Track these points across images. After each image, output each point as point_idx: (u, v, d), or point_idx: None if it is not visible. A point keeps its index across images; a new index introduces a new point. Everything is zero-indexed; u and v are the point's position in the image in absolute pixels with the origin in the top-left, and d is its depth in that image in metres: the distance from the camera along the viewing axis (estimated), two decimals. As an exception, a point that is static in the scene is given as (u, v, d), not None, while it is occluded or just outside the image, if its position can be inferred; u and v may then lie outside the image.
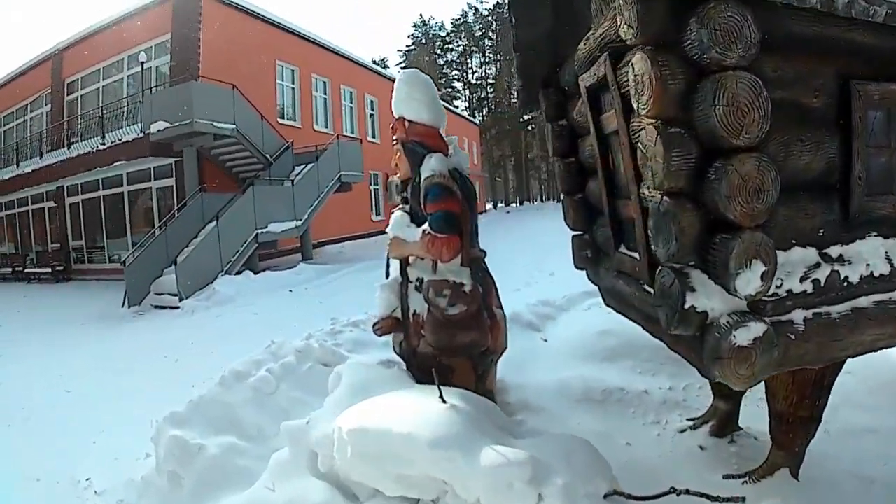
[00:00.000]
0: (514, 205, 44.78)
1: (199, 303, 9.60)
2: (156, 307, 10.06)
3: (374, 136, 21.76)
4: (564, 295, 5.37)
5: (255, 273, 11.50)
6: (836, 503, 2.27)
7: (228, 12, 14.77)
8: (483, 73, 47.48)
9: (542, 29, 3.12)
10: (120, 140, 13.46)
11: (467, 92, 47.09)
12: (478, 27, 47.17)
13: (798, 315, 1.92)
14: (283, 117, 16.55)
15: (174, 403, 3.34)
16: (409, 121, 3.03)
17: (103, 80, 15.61)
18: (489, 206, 37.64)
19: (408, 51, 49.27)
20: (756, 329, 1.81)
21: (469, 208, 2.88)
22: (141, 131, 12.73)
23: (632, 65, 1.85)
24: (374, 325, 3.05)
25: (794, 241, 1.95)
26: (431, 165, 2.92)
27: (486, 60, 46.87)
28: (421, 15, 51.61)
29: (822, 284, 1.95)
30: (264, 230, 12.39)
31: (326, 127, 18.73)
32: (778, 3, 1.68)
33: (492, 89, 46.24)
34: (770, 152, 1.78)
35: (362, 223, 20.05)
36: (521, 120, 41.87)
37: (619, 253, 2.80)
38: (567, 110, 3.23)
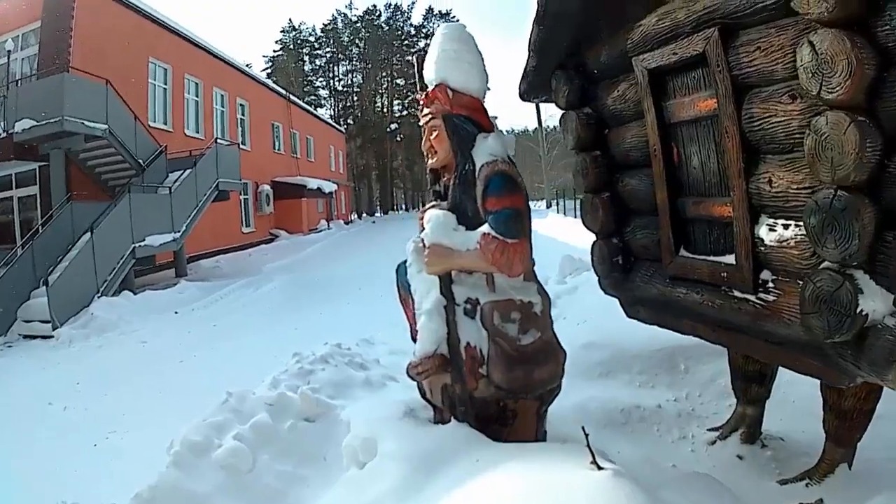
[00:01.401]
0: (378, 214, 47.16)
1: (75, 331, 9.12)
2: (25, 337, 9.47)
3: (244, 143, 22.15)
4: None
5: (134, 293, 11.18)
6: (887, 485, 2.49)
7: (104, 0, 14.60)
8: (349, 81, 50.57)
9: (576, 1, 3.02)
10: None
11: (332, 100, 50.11)
12: (346, 34, 50.09)
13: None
14: (154, 120, 16.52)
15: (87, 486, 2.69)
16: (454, 89, 2.71)
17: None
18: (353, 216, 39.59)
19: (274, 56, 50.76)
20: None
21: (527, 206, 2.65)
22: (3, 130, 11.91)
23: (811, 43, 1.88)
24: (415, 366, 2.62)
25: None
26: (491, 147, 2.64)
27: (353, 68, 50.16)
28: (290, 20, 51.34)
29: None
30: (142, 244, 12.13)
31: (198, 132, 19.01)
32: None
33: (357, 98, 49.56)
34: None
35: (233, 236, 20.32)
36: (388, 130, 45.58)
37: (681, 257, 2.83)
38: (595, 96, 3.19)
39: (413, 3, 52.53)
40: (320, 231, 26.89)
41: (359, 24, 49.22)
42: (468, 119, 2.71)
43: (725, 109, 2.37)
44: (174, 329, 8.44)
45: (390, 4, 49.98)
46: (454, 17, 49.66)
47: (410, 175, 50.19)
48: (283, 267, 14.55)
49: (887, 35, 1.79)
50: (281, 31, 50.92)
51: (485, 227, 2.54)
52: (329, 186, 29.32)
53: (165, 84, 17.52)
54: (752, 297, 2.45)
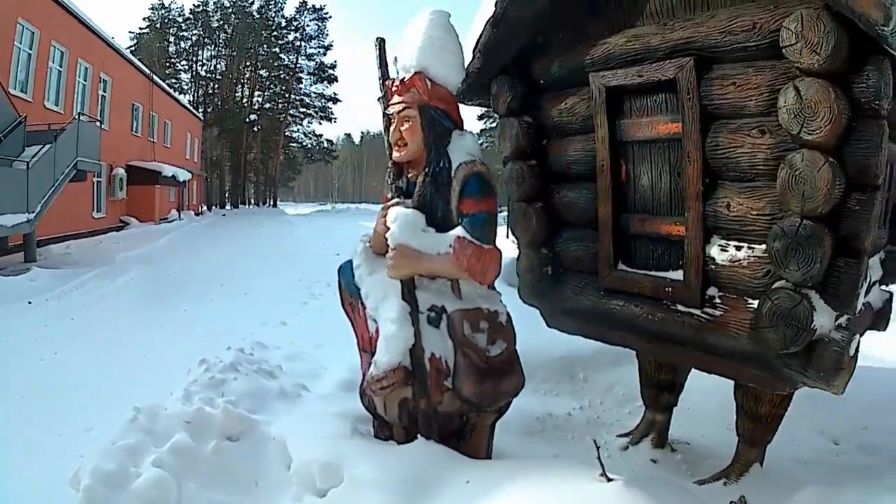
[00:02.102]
0: (228, 207, 46.69)
1: None
2: None
3: (104, 122, 20.64)
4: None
5: (-20, 280, 9.80)
6: (797, 481, 3.00)
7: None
8: (213, 67, 49.20)
9: (537, 7, 3.22)
10: None
11: (194, 85, 48.41)
12: (216, 17, 48.77)
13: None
14: (13, 88, 15.08)
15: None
16: (433, 80, 2.72)
17: None
18: (203, 207, 38.31)
19: (140, 33, 48.20)
20: (855, 342, 2.41)
21: None
22: None
23: (797, 88, 2.24)
24: (378, 379, 2.57)
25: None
26: (468, 147, 2.73)
27: (218, 54, 49.12)
28: (161, -3, 47.60)
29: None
30: (-7, 224, 11.08)
31: (57, 105, 17.76)
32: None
33: (218, 85, 48.67)
34: None
35: (84, 221, 18.99)
36: (247, 121, 45.46)
37: (620, 271, 3.13)
38: (537, 105, 3.41)
39: None
40: (171, 221, 25.97)
41: (230, 9, 48.58)
42: (445, 114, 2.75)
43: (690, 135, 2.70)
44: (28, 321, 7.49)
45: None
46: (327, 12, 50.62)
47: (264, 169, 50.44)
48: (137, 258, 13.54)
49: (861, 90, 2.22)
50: (150, 8, 48.89)
51: (459, 231, 2.60)
52: (184, 175, 28.51)
53: (31, 49, 16.19)
54: (698, 312, 2.80)
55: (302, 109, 51.41)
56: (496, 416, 2.86)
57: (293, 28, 49.60)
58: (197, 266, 12.62)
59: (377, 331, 2.66)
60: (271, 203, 50.24)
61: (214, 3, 48.60)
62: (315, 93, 51.50)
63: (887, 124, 2.24)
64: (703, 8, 2.68)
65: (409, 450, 2.52)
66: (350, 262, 2.89)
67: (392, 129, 2.79)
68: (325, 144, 53.97)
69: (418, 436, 2.62)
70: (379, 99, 2.87)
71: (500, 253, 2.65)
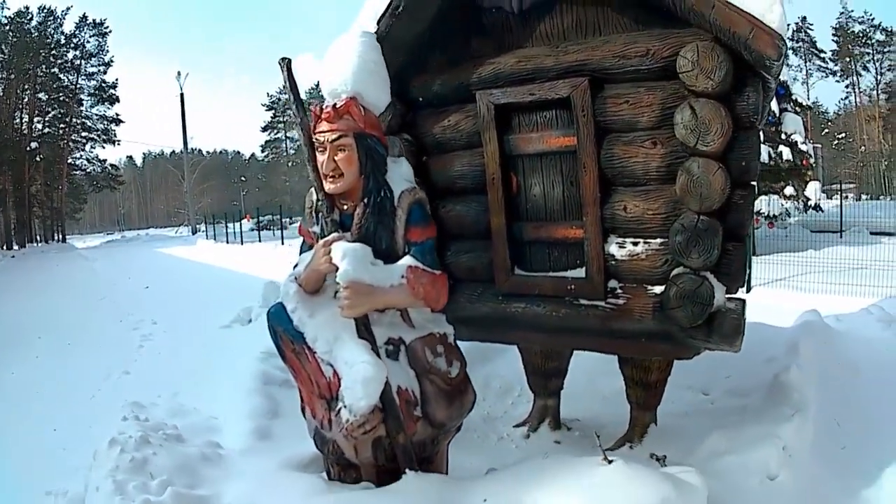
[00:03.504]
0: (15, 247, 39.73)
1: None
2: None
3: None
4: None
5: None
6: (688, 432, 3.72)
7: None
8: None
9: (418, 27, 3.45)
10: None
11: None
12: None
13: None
14: None
15: None
16: (364, 106, 2.82)
17: None
18: None
19: None
20: (745, 309, 3.09)
21: None
22: None
23: (692, 107, 2.82)
24: (360, 425, 2.61)
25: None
26: (406, 173, 2.92)
27: None
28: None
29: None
30: None
31: None
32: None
33: None
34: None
35: None
36: (28, 149, 39.95)
37: (518, 276, 3.54)
38: (414, 123, 3.67)
39: (68, 8, 46.69)
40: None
41: (7, 27, 41.98)
42: (378, 141, 2.87)
43: (585, 148, 3.18)
44: None
45: (43, 7, 43.56)
46: (107, 26, 45.86)
47: (49, 202, 44.48)
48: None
49: (742, 108, 2.89)
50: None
51: (409, 260, 2.80)
52: None
53: None
54: (602, 303, 3.31)
55: (84, 133, 46.89)
56: (455, 433, 3.10)
57: (73, 45, 45.02)
58: (2, 318, 10.92)
59: (335, 375, 2.67)
60: (60, 238, 44.43)
61: (-7, 23, 42.89)
62: (97, 115, 47.28)
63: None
64: (595, 33, 3.19)
65: (408, 486, 2.62)
66: (280, 305, 2.84)
67: (325, 158, 2.80)
68: (110, 170, 49.45)
69: (406, 470, 2.71)
70: (295, 124, 2.90)
71: (449, 276, 2.89)
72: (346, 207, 2.90)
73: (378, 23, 3.35)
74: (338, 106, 2.80)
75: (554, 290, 3.44)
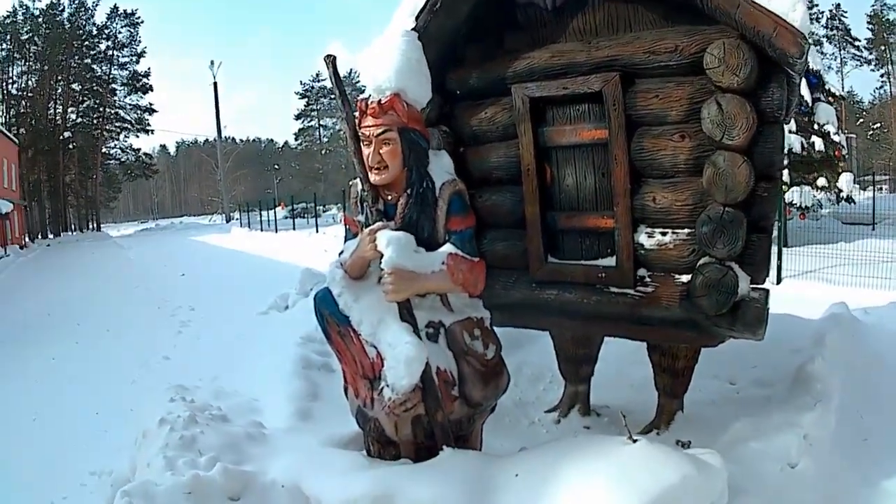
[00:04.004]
0: (50, 236, 42.92)
1: None
2: None
3: None
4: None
5: None
6: (714, 420, 3.85)
7: None
8: (24, 84, 46.40)
9: (455, 23, 3.62)
10: None
11: (4, 105, 45.93)
12: (26, 29, 45.81)
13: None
14: None
15: None
16: (407, 101, 2.99)
17: None
18: (26, 239, 35.01)
19: None
20: (768, 298, 3.22)
21: None
22: None
23: (718, 102, 2.96)
24: (401, 402, 2.80)
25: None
26: (447, 166, 3.10)
27: (29, 69, 46.11)
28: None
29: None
30: None
31: None
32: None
33: (29, 104, 45.24)
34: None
35: None
36: (62, 138, 42.42)
37: (551, 264, 3.69)
38: (452, 115, 3.82)
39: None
40: (-2, 259, 23.09)
41: (40, 19, 44.76)
42: (421, 135, 3.06)
43: (617, 140, 3.33)
44: None
45: None
46: (139, 17, 47.84)
47: (83, 191, 46.92)
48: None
49: (767, 103, 3.02)
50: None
51: (449, 247, 2.99)
52: (5, 206, 26.51)
53: None
54: (632, 291, 3.46)
55: (118, 123, 49.21)
56: (489, 413, 3.28)
57: (105, 36, 47.36)
58: (42, 306, 11.38)
59: (378, 356, 2.87)
60: (94, 227, 45.99)
61: (24, 13, 45.58)
62: (130, 104, 49.57)
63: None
64: (625, 29, 3.35)
65: (446, 462, 2.80)
66: (326, 290, 3.02)
67: (370, 151, 2.98)
68: (144, 158, 51.44)
69: (443, 446, 2.90)
70: (340, 118, 3.08)
71: (485, 264, 3.06)
72: (389, 198, 3.08)
73: (416, 18, 3.52)
74: (383, 102, 2.98)
75: (585, 278, 3.60)
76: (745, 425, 3.54)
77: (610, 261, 3.53)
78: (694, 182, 3.20)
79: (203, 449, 3.24)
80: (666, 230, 3.36)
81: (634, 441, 2.67)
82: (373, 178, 3.02)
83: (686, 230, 3.28)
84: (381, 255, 2.83)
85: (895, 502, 3.15)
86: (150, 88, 47.65)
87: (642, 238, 3.40)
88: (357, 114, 3.07)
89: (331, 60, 3.08)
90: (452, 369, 2.97)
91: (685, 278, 3.29)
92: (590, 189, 3.59)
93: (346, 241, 3.24)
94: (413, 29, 3.50)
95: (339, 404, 3.49)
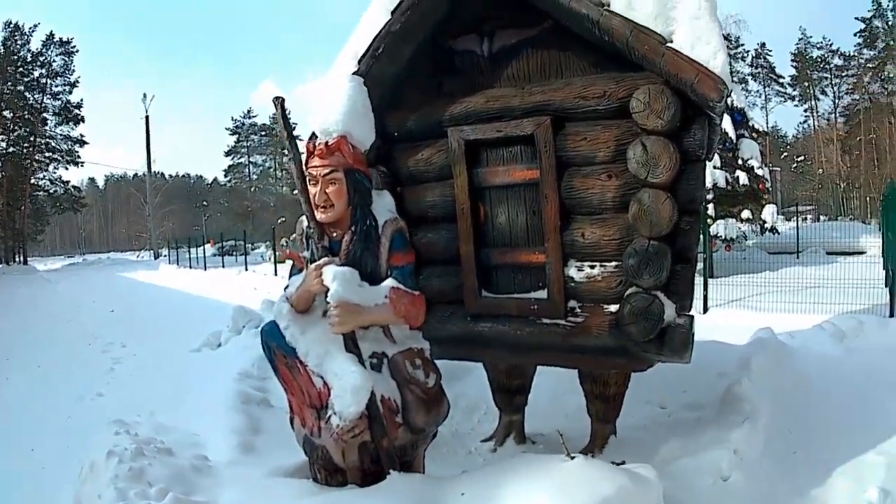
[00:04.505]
0: None
1: None
2: None
3: None
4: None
5: None
6: (647, 442, 4.05)
7: None
8: None
9: (396, 68, 3.81)
10: None
11: None
12: None
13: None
14: None
15: None
16: (353, 144, 3.19)
17: None
18: None
19: None
20: (694, 324, 3.45)
21: None
22: None
23: (643, 143, 3.20)
24: (349, 429, 2.93)
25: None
26: (389, 204, 3.26)
27: None
28: None
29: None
30: None
31: None
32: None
33: None
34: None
35: None
36: None
37: (485, 298, 3.85)
38: (389, 156, 3.98)
39: (35, 25, 44.88)
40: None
41: None
42: (365, 175, 3.25)
43: (547, 180, 3.53)
44: None
45: (10, 23, 43.65)
46: (74, 45, 45.97)
47: (11, 223, 44.21)
48: None
49: (689, 143, 3.27)
50: None
51: (392, 282, 3.14)
52: None
53: None
54: (563, 322, 3.64)
55: (48, 153, 46.64)
56: (431, 440, 3.41)
57: (39, 63, 45.05)
58: None
59: (325, 385, 2.99)
60: (21, 260, 43.68)
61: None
62: (61, 135, 46.93)
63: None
64: (557, 76, 3.59)
65: (395, 484, 2.91)
66: (273, 323, 3.14)
67: (317, 190, 3.15)
68: (73, 191, 48.83)
69: (390, 470, 3.02)
70: (289, 159, 3.22)
71: (425, 298, 3.23)
72: (334, 234, 3.24)
73: (359, 62, 3.71)
74: (330, 144, 3.17)
75: (518, 311, 3.77)
76: (678, 444, 3.76)
77: (542, 294, 3.71)
78: (620, 218, 3.42)
79: (152, 480, 3.27)
80: (594, 263, 3.56)
81: (572, 458, 2.85)
82: (319, 215, 3.17)
83: (614, 263, 3.49)
84: (327, 289, 2.96)
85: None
86: (82, 119, 46.29)
87: (572, 271, 3.59)
88: (304, 154, 3.24)
89: (279, 102, 3.21)
90: (396, 397, 3.11)
91: (614, 308, 3.49)
92: (522, 226, 3.77)
93: (290, 276, 3.36)
94: (356, 72, 3.67)
95: (281, 437, 3.55)
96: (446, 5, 3.71)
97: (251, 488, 3.20)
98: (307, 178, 3.20)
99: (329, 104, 3.27)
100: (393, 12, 3.63)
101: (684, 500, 3.11)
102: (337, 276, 2.96)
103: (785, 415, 4.45)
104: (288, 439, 3.34)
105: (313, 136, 3.30)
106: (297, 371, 3.08)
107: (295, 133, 3.20)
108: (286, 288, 3.22)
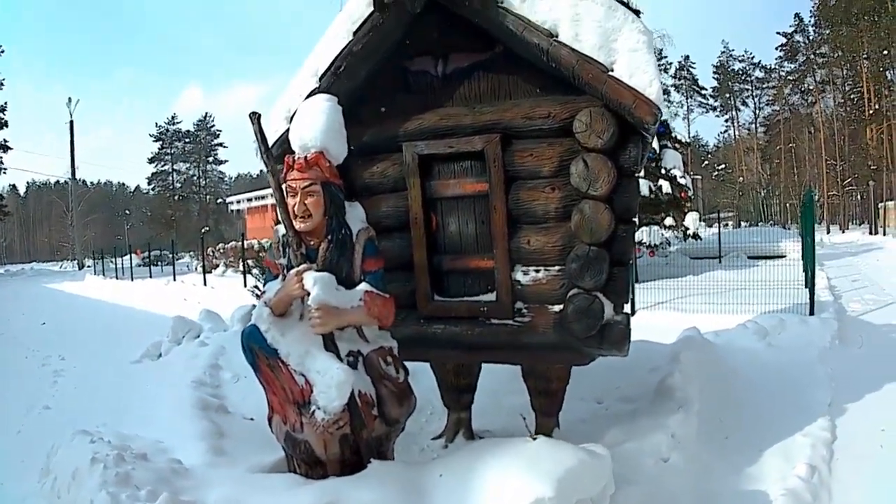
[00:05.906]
0: None
1: None
2: None
3: None
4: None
5: None
6: (588, 433, 4.43)
7: None
8: None
9: (354, 85, 4.09)
10: None
11: None
12: None
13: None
14: None
15: None
16: (329, 159, 3.47)
17: None
18: None
19: None
20: (630, 321, 3.85)
21: None
22: None
23: (584, 160, 3.59)
24: (334, 422, 3.22)
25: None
26: (361, 216, 3.56)
27: None
28: None
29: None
30: None
31: None
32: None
33: None
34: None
35: None
36: None
37: (437, 301, 4.19)
38: (345, 168, 4.23)
39: None
40: None
41: None
42: (339, 188, 3.54)
43: (496, 192, 3.89)
44: None
45: None
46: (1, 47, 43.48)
47: None
48: None
49: (624, 160, 3.69)
50: None
51: (365, 286, 3.44)
52: None
53: None
54: (511, 322, 4.00)
55: None
56: (401, 432, 3.72)
57: None
58: None
59: (307, 383, 3.26)
60: None
61: None
62: None
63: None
64: (506, 97, 3.96)
65: (378, 471, 3.21)
66: (254, 326, 3.36)
67: (296, 201, 3.41)
68: None
69: (370, 460, 3.32)
70: (266, 171, 3.48)
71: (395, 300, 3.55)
72: (311, 243, 3.50)
73: (320, 79, 4.02)
74: (308, 158, 3.46)
75: (469, 313, 4.11)
76: (619, 432, 4.19)
77: (491, 296, 4.06)
78: (563, 226, 3.80)
79: (139, 484, 3.42)
80: (539, 268, 3.93)
81: (535, 439, 3.28)
82: (297, 225, 3.43)
83: (557, 267, 3.87)
84: (307, 293, 3.24)
85: (757, 485, 3.86)
86: (6, 124, 44.14)
87: (519, 275, 3.96)
88: (284, 168, 3.50)
89: (256, 118, 3.47)
90: (371, 392, 3.41)
91: (558, 308, 3.86)
92: (471, 234, 4.12)
93: (265, 283, 3.64)
94: (316, 90, 3.94)
95: (249, 439, 3.76)
96: (405, 28, 4.04)
97: (238, 485, 3.39)
98: (286, 191, 3.48)
99: (307, 122, 3.56)
100: (355, 33, 3.95)
101: (631, 479, 3.51)
102: (317, 280, 3.24)
103: (716, 403, 4.91)
104: (259, 440, 3.56)
105: (289, 150, 3.61)
106: (279, 370, 3.33)
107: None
108: (264, 293, 3.49)
